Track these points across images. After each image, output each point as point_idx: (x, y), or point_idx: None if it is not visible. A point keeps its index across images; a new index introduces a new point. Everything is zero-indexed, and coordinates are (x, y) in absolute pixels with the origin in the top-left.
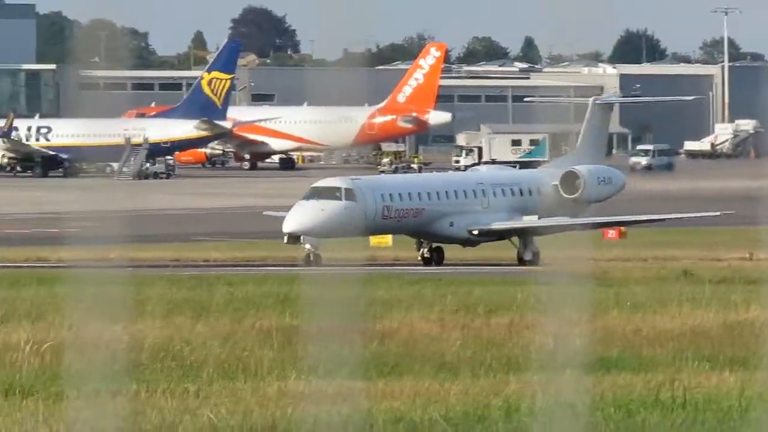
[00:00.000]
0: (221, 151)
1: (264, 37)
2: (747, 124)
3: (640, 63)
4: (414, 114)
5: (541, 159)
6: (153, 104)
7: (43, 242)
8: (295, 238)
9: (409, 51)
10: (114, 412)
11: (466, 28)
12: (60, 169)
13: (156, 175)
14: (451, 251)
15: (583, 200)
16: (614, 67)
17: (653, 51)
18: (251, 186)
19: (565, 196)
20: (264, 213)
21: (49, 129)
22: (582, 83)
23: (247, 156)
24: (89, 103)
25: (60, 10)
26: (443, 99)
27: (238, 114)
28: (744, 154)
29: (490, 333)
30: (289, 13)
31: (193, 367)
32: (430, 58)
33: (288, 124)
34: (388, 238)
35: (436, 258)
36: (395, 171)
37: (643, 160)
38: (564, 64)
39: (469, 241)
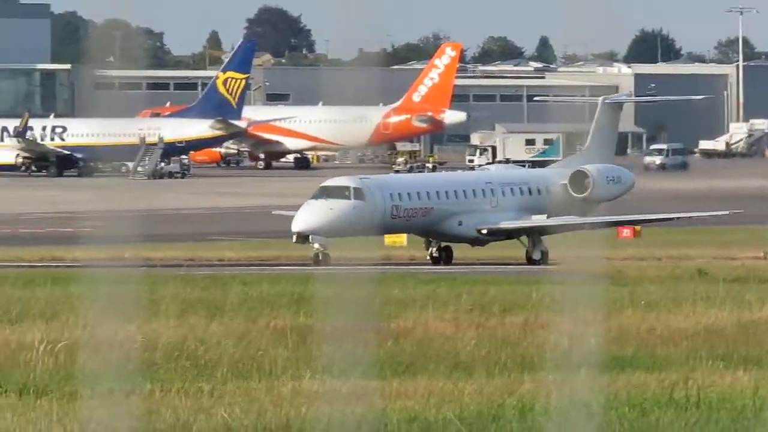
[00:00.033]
0: (236, 151)
1: (279, 37)
2: (762, 124)
3: (655, 63)
4: (429, 113)
5: (554, 158)
6: (168, 104)
7: (58, 242)
8: (304, 237)
9: (425, 51)
10: (128, 412)
11: (482, 27)
12: (75, 169)
13: (171, 175)
14: (459, 251)
15: (592, 199)
16: (629, 67)
17: (668, 51)
18: (266, 185)
19: (574, 195)
20: (273, 212)
21: (64, 128)
22: (597, 83)
23: (262, 155)
24: (104, 103)
25: (75, 9)
26: (458, 98)
27: (253, 113)
28: (759, 154)
29: (505, 332)
30: (305, 12)
31: (208, 367)
32: (445, 57)
33: (303, 124)
34: (402, 238)
35: (444, 257)
36: (410, 170)
37: (658, 160)
38: (579, 63)
39: (477, 241)
